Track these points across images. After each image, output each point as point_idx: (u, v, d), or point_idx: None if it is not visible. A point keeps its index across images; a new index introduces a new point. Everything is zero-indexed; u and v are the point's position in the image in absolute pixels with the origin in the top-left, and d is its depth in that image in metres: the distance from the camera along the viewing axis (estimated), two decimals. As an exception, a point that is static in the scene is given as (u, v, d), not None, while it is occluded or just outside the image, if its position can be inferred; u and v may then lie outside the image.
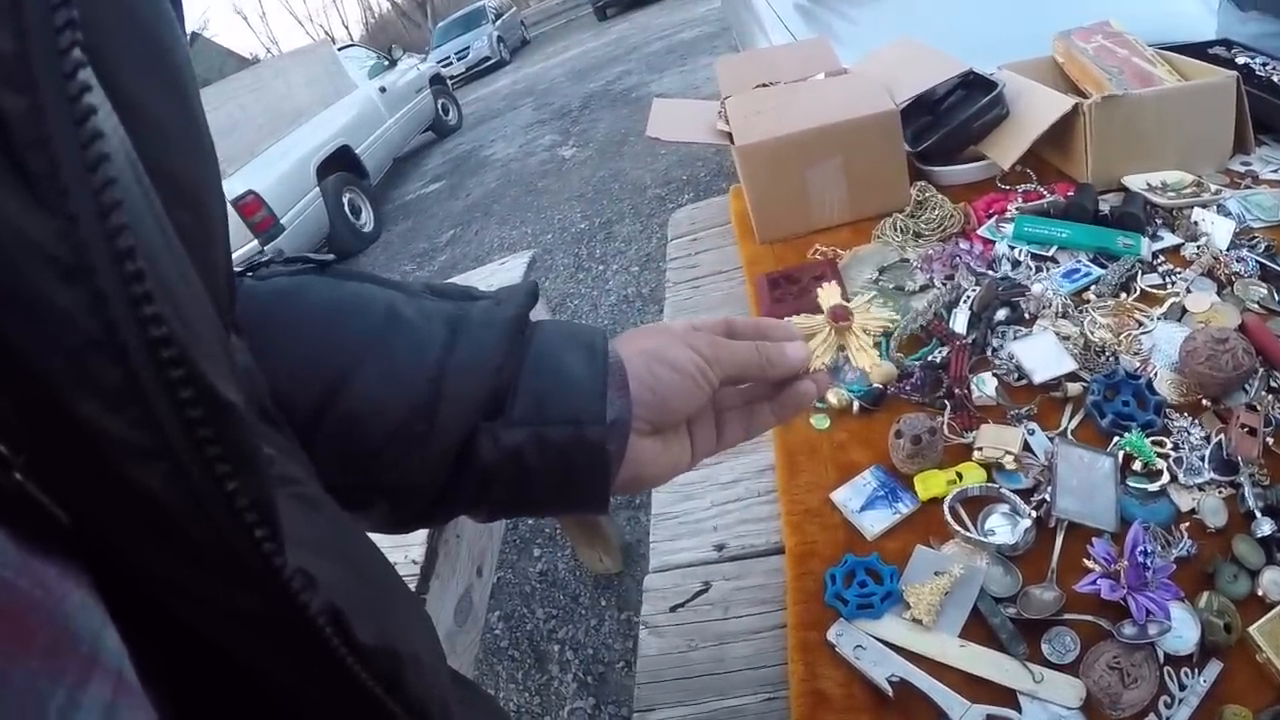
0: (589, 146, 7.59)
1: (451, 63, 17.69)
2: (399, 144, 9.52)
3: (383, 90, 9.43)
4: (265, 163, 6.52)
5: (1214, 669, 0.73)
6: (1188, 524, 0.84)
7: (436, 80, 11.43)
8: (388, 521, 0.54)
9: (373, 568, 0.43)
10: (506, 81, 15.60)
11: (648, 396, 0.53)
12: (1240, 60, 1.62)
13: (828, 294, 0.65)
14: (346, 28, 46.66)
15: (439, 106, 11.07)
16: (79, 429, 0.23)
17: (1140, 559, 0.77)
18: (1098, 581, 0.78)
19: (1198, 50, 1.66)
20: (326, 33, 44.91)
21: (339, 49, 9.76)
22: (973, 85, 1.56)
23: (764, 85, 1.62)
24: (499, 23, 20.33)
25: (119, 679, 0.24)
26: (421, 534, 1.24)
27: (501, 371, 0.50)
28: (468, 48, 18.80)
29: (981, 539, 0.86)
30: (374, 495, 0.51)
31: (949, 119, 1.54)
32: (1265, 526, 0.81)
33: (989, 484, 0.91)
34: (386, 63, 10.53)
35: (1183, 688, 0.72)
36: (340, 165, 7.38)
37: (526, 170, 7.63)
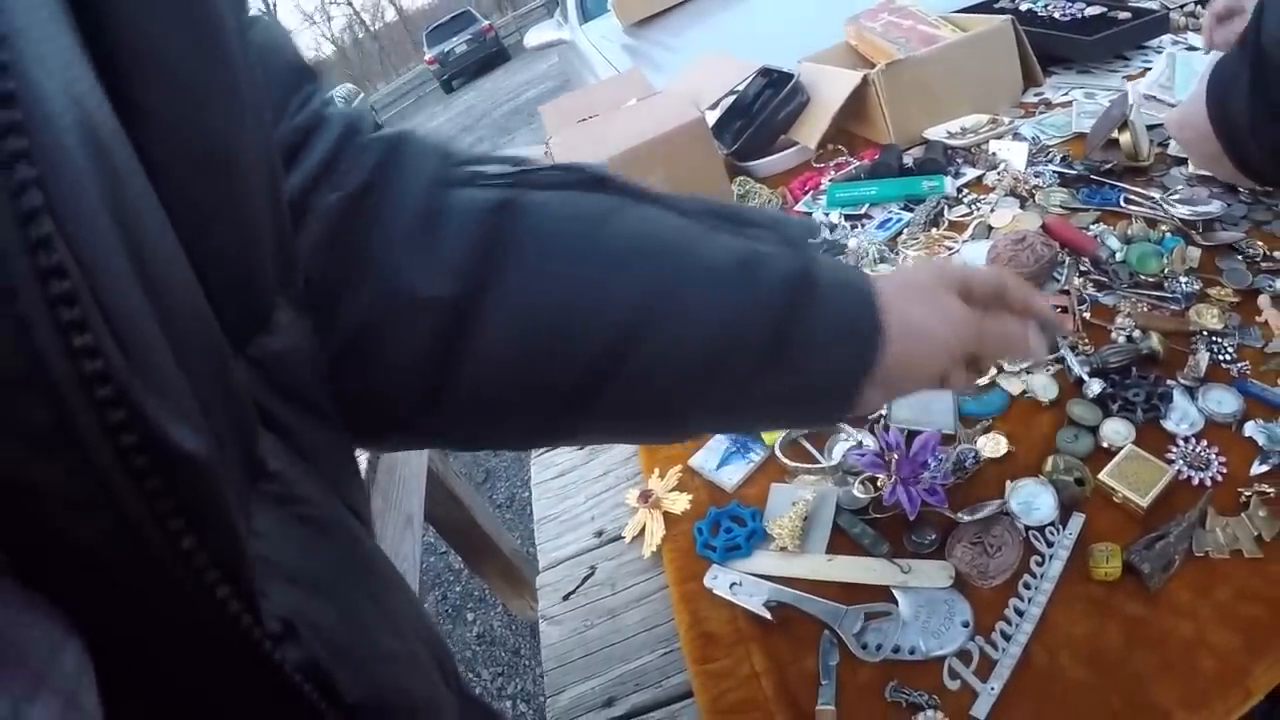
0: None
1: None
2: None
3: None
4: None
5: (1077, 520, 0.79)
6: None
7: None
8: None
9: (380, 602, 0.39)
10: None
11: (904, 345, 0.53)
12: (1024, 7, 1.76)
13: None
14: (287, 32, 46.10)
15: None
16: (3, 475, 0.20)
17: (923, 459, 0.84)
18: (864, 454, 0.86)
19: (985, 8, 1.80)
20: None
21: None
22: (778, 84, 1.66)
23: (584, 120, 1.69)
24: (349, 113, 20.26)
25: (70, 699, 0.22)
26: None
27: (785, 323, 0.50)
28: (318, 141, 18.65)
29: (823, 464, 0.92)
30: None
31: (753, 116, 1.64)
32: (1095, 387, 0.89)
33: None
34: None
35: (1049, 545, 0.77)
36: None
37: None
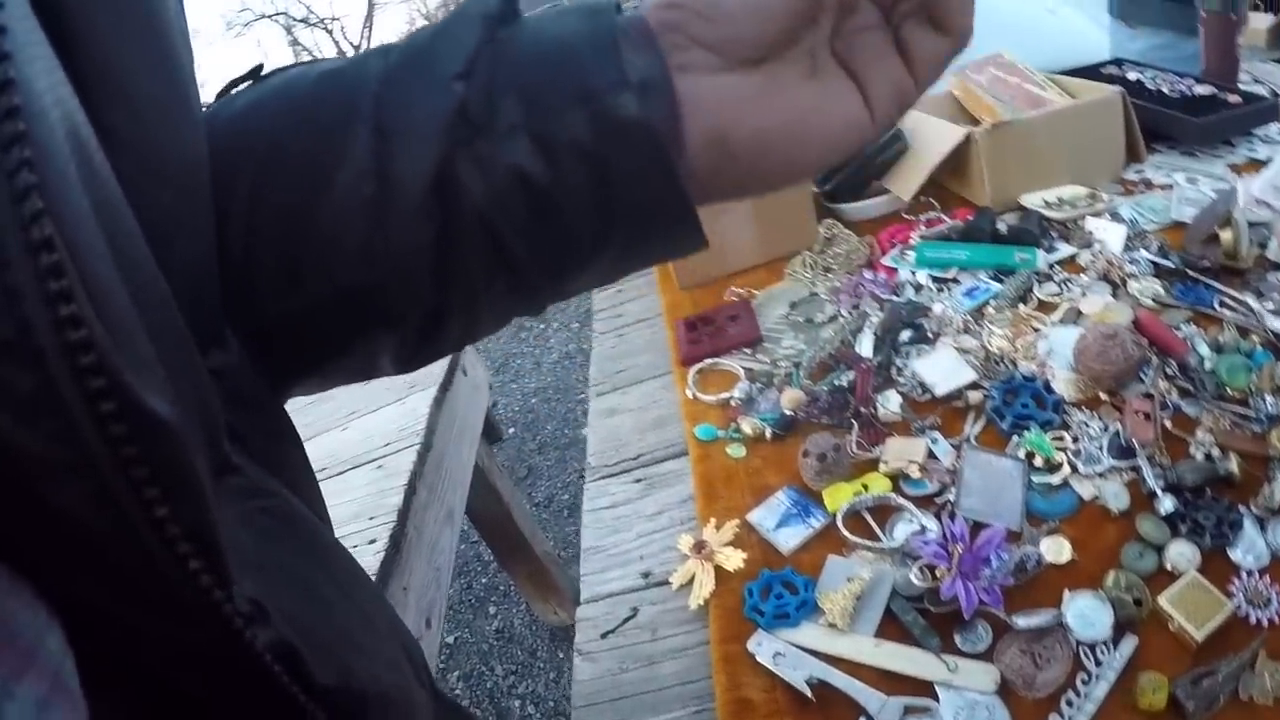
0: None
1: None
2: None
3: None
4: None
5: (1129, 644, 0.77)
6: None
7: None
8: (396, 355, 0.43)
9: (347, 592, 0.38)
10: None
11: (694, 14, 0.37)
12: (1132, 76, 1.73)
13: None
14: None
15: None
16: None
17: (985, 555, 0.83)
18: (929, 542, 0.85)
19: (1092, 71, 1.77)
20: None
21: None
22: (877, 124, 1.64)
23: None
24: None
25: (56, 679, 0.22)
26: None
27: (469, 79, 0.37)
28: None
29: (884, 545, 0.91)
30: (368, 317, 0.40)
31: (853, 158, 1.62)
32: (1168, 503, 0.85)
33: (886, 493, 0.97)
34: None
35: (1098, 664, 0.76)
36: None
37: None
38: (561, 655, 2.50)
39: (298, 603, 0.31)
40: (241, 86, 0.43)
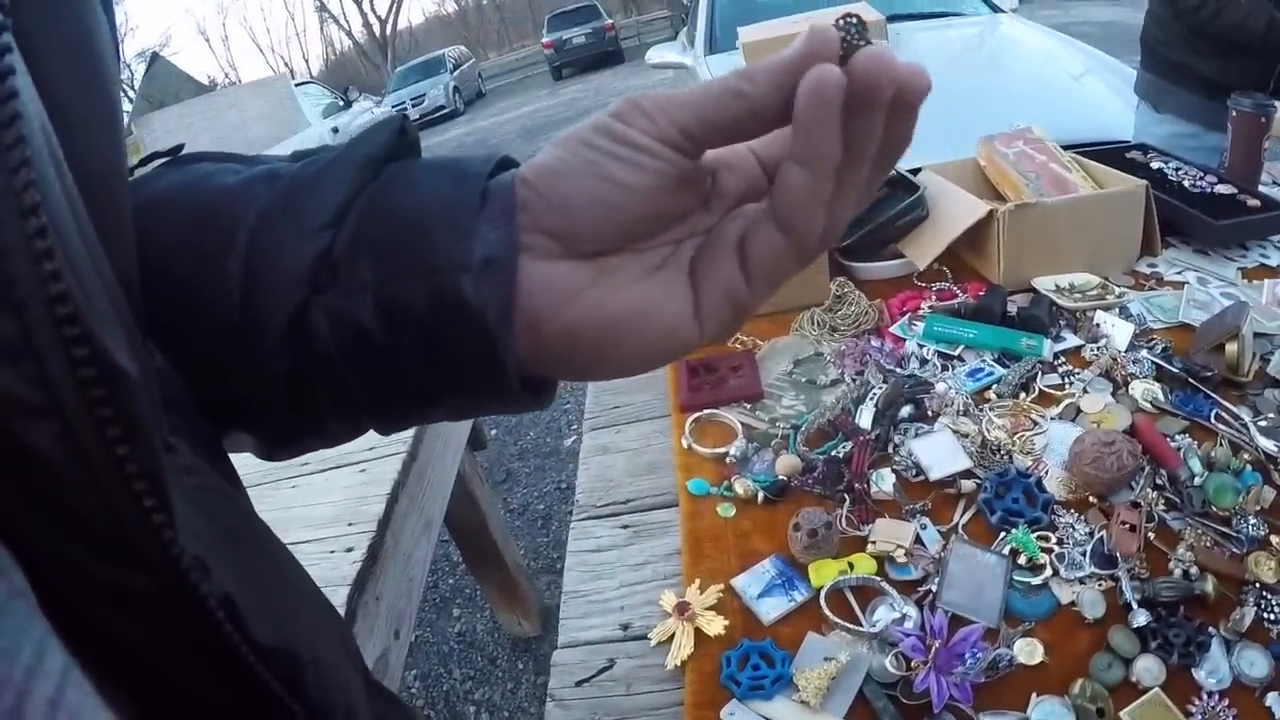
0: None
1: (406, 109, 17.54)
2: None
3: (335, 131, 9.42)
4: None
5: None
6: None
7: (389, 127, 11.44)
8: (256, 447, 0.46)
9: (280, 569, 0.40)
10: (459, 133, 15.72)
11: (544, 200, 0.37)
12: (1155, 165, 1.75)
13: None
14: (306, 61, 46.35)
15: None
16: None
17: (961, 651, 0.84)
18: (909, 635, 0.86)
19: (1115, 154, 1.78)
20: (286, 65, 44.64)
21: (296, 85, 9.72)
22: (896, 184, 1.65)
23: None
24: (457, 73, 20.52)
25: (23, 594, 0.24)
26: (340, 595, 1.27)
27: (338, 228, 0.38)
28: (423, 95, 18.91)
29: (864, 629, 0.92)
30: (228, 419, 0.43)
31: (872, 217, 1.62)
32: (1141, 617, 0.87)
33: (870, 576, 0.98)
34: (342, 103, 10.51)
35: None
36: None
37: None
38: (521, 667, 2.50)
39: (232, 566, 0.32)
40: (158, 163, 0.45)
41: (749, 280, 0.38)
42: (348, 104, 10.84)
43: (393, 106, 14.85)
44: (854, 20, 0.32)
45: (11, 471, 0.24)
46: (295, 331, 0.38)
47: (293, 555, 0.42)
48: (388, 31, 33.45)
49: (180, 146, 0.46)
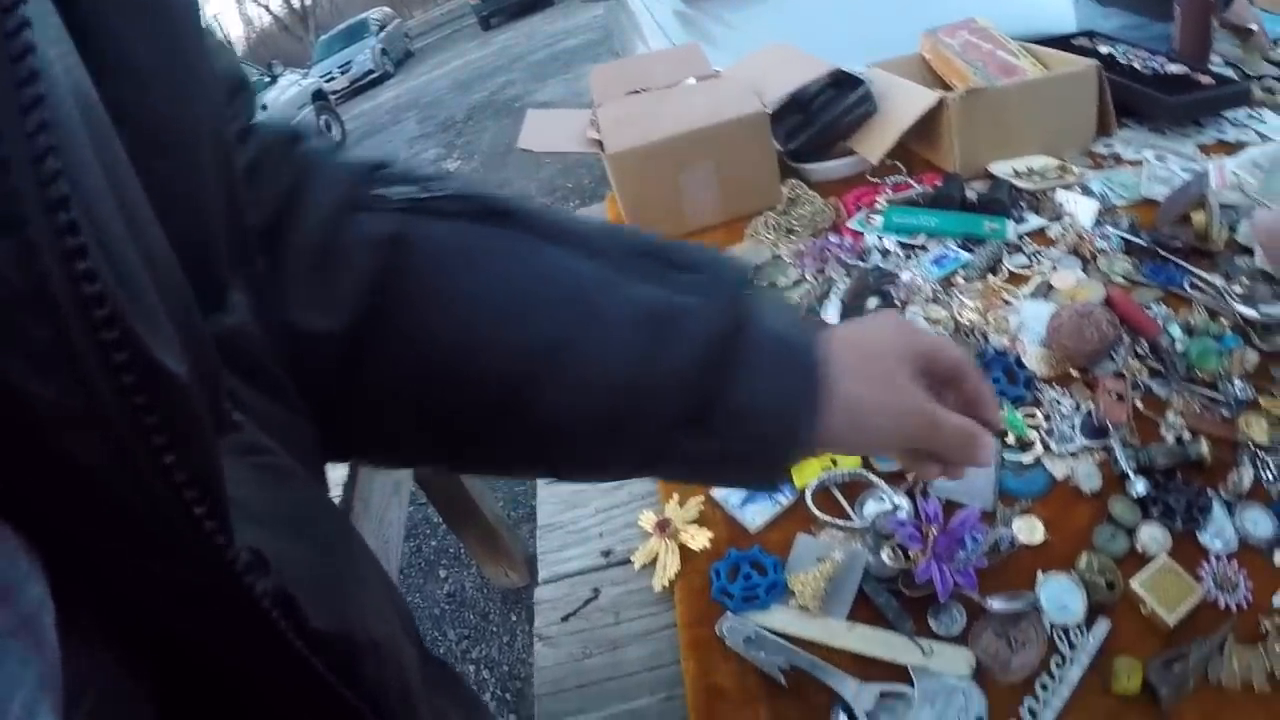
0: (474, 158, 7.61)
1: (334, 77, 17.35)
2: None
3: (263, 108, 9.17)
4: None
5: (1102, 626, 0.76)
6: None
7: (319, 96, 11.25)
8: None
9: (342, 546, 0.42)
10: (390, 95, 15.44)
11: (844, 429, 0.50)
12: (1104, 50, 1.71)
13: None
14: (228, 43, 45.50)
15: (321, 123, 10.77)
16: (3, 390, 0.21)
17: (960, 537, 0.81)
18: (903, 524, 0.83)
19: (1062, 42, 1.74)
20: (206, 49, 43.89)
21: (218, 66, 9.45)
22: (843, 84, 1.60)
23: (636, 92, 1.63)
24: (383, 35, 20.03)
25: (26, 622, 0.23)
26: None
27: (702, 388, 0.47)
28: (350, 61, 18.41)
29: (855, 524, 0.88)
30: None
31: (819, 117, 1.58)
32: (1139, 486, 0.85)
33: (856, 469, 0.94)
34: (267, 79, 10.27)
35: (1072, 647, 0.75)
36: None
37: (411, 186, 7.59)
38: (514, 619, 2.47)
39: (294, 552, 0.33)
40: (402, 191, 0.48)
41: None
42: (273, 79, 10.62)
43: (320, 76, 14.47)
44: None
45: (56, 477, 0.23)
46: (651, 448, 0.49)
47: (357, 532, 0.44)
48: (307, 2, 32.65)
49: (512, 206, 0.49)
